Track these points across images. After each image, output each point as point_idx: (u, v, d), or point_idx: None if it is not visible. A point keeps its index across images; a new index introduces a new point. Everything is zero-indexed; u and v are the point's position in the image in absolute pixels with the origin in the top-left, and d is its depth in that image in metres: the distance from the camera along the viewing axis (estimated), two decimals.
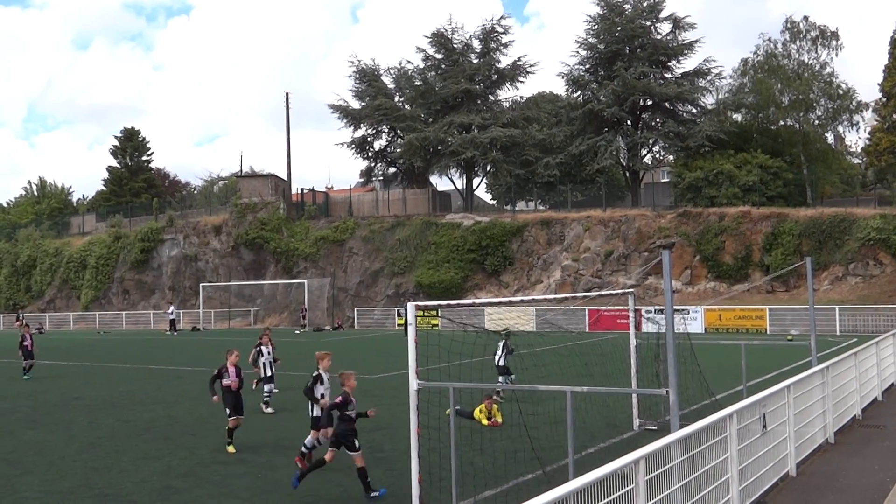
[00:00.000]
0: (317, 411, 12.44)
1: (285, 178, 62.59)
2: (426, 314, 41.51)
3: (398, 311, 48.87)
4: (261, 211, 59.06)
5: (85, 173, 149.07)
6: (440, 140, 56.81)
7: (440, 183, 69.11)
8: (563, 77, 56.70)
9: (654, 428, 14.07)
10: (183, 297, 61.04)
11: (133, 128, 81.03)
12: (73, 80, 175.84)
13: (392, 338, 41.03)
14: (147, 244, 62.58)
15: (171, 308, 55.61)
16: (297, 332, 49.10)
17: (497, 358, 18.43)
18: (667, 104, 54.44)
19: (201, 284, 58.97)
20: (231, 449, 13.57)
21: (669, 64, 55.33)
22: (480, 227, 51.55)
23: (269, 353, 18.31)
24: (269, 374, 18.12)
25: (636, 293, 16.74)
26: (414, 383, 9.60)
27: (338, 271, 55.23)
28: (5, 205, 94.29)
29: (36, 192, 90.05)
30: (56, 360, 32.48)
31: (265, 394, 18.01)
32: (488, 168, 60.36)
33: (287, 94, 65.22)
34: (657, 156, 59.09)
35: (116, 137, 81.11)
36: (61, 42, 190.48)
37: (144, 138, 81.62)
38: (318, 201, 62.37)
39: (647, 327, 34.97)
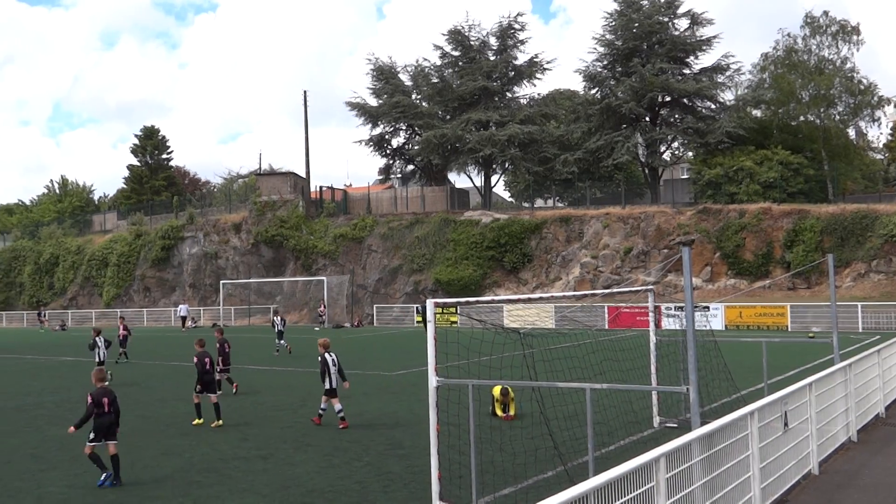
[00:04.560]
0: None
1: (304, 175, 62.84)
2: (445, 311, 41.60)
3: (417, 308, 48.96)
4: (280, 209, 59.35)
5: (109, 171, 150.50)
6: (458, 137, 56.76)
7: (458, 180, 69.31)
8: (580, 73, 56.57)
9: (675, 425, 14.03)
10: (203, 295, 61.52)
11: (153, 126, 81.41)
12: (100, 78, 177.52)
13: (411, 335, 41.08)
14: (168, 242, 63.11)
15: (182, 306, 56.23)
16: (317, 328, 49.29)
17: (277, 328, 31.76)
18: (685, 100, 54.08)
19: (221, 282, 59.33)
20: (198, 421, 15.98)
21: (688, 60, 54.91)
22: (499, 224, 51.49)
23: None
24: None
25: (656, 290, 16.68)
26: (433, 380, 9.62)
27: (357, 268, 55.38)
28: (28, 203, 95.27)
29: (58, 191, 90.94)
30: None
31: None
32: (506, 165, 60.26)
33: (305, 92, 65.60)
34: (676, 152, 58.74)
35: (136, 136, 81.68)
36: (89, 40, 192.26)
37: (164, 136, 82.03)
38: (336, 199, 62.50)
39: (667, 324, 34.77)
